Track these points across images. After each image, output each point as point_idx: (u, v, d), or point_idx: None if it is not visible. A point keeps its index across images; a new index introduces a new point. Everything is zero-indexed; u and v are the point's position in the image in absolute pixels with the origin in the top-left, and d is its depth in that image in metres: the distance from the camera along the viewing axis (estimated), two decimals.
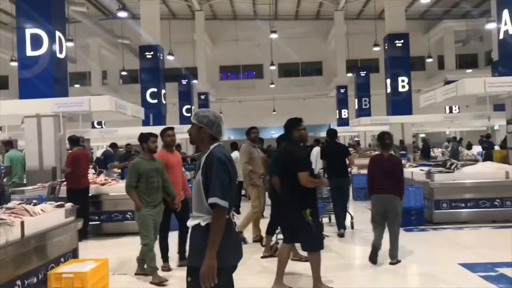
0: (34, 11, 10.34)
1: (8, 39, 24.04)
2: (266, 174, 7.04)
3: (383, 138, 6.09)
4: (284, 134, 5.61)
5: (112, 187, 8.80)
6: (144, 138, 5.76)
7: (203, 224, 2.81)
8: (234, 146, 11.67)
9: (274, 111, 35.09)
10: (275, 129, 33.71)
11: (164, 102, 20.24)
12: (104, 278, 5.16)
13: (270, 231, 6.71)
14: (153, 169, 5.66)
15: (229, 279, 2.91)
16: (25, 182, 9.91)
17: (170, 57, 24.74)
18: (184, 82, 27.28)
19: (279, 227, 6.37)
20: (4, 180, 9.82)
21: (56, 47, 10.55)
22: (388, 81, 19.80)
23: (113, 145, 14.52)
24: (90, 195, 8.39)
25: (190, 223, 2.89)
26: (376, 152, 6.23)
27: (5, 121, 11.09)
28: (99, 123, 23.94)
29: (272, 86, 32.54)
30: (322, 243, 5.13)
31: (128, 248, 7.43)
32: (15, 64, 13.31)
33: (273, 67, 30.34)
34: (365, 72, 27.49)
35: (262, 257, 6.54)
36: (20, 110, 9.92)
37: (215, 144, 2.95)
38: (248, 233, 7.49)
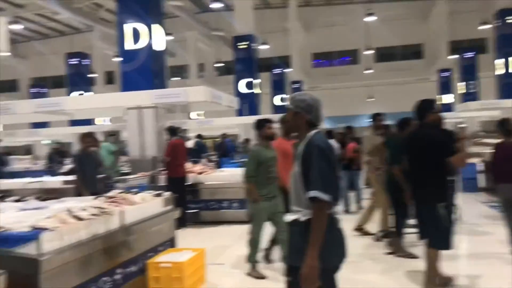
0: (134, 5, 10.70)
1: (113, 35, 25.55)
2: (382, 163, 6.36)
3: (506, 125, 5.45)
4: (407, 118, 5.14)
5: (209, 176, 8.89)
6: (259, 125, 5.36)
7: (302, 219, 2.54)
8: (329, 134, 11.26)
9: (370, 98, 33.83)
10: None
11: (257, 92, 20.28)
12: (201, 268, 5.14)
13: (399, 227, 6.00)
14: (272, 157, 5.26)
15: (332, 281, 2.61)
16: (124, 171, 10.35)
17: (263, 47, 24.75)
18: (277, 71, 27.18)
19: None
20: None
21: (155, 40, 10.85)
22: (500, 61, 18.06)
23: (199, 136, 14.89)
24: (187, 183, 8.52)
25: (288, 217, 2.64)
26: (497, 140, 5.61)
27: (110, 113, 11.66)
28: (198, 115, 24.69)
29: (368, 71, 31.34)
30: (450, 243, 4.40)
31: (224, 237, 7.45)
32: (118, 59, 13.99)
33: (369, 52, 29.17)
34: (473, 53, 25.40)
35: (388, 254, 6.06)
36: (122, 102, 10.34)
37: (314, 131, 2.66)
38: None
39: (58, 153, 14.62)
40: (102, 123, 21.44)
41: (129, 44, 10.90)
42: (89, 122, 19.88)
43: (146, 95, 9.98)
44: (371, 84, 33.36)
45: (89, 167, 7.18)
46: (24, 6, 23.54)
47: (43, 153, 19.17)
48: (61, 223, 3.54)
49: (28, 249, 3.18)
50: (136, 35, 10.80)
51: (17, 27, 22.25)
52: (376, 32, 29.78)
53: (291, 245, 2.63)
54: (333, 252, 2.53)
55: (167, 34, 14.61)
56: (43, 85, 29.38)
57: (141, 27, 10.75)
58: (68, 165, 12.49)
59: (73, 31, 30.22)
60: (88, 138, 7.39)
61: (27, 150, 21.32)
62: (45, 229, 3.34)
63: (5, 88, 32.13)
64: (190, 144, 11.59)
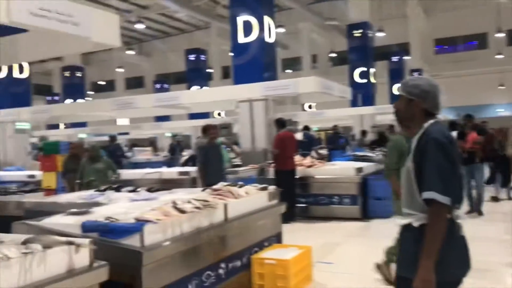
0: None
1: (228, 31, 26.28)
2: None
3: None
4: None
5: (318, 169, 8.61)
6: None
7: (415, 224, 2.17)
8: (453, 126, 10.29)
9: (501, 85, 30.70)
10: (503, 106, 29.48)
11: (373, 81, 19.43)
12: (308, 267, 4.91)
13: None
14: None
15: None
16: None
17: (379, 34, 23.66)
18: (395, 59, 25.86)
19: None
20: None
21: (266, 32, 10.81)
22: None
23: (306, 128, 14.53)
24: (297, 177, 8.33)
25: (399, 221, 2.29)
26: None
27: (223, 106, 11.90)
28: (310, 106, 24.45)
29: (499, 56, 28.43)
30: None
31: (334, 234, 7.14)
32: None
33: (500, 35, 26.43)
34: None
35: None
36: (234, 95, 10.48)
37: (431, 121, 2.26)
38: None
39: (177, 145, 15.37)
40: (218, 116, 22.18)
41: (241, 38, 11.01)
42: (207, 115, 20.68)
43: (256, 87, 9.99)
44: (503, 70, 30.23)
45: (214, 159, 7.26)
46: (148, 7, 25.15)
47: (165, 145, 20.39)
48: (164, 215, 3.53)
49: (132, 241, 3.21)
50: (247, 28, 10.86)
51: (141, 26, 23.88)
52: (508, 13, 26.86)
53: (402, 253, 2.28)
54: (453, 262, 2.13)
55: (279, 26, 14.57)
56: (166, 81, 31.28)
57: (253, 20, 10.77)
58: (185, 157, 13.06)
59: (192, 29, 31.63)
60: (213, 130, 7.49)
61: (151, 142, 22.86)
62: (149, 221, 3.35)
63: (133, 85, 34.81)
64: (299, 136, 11.40)
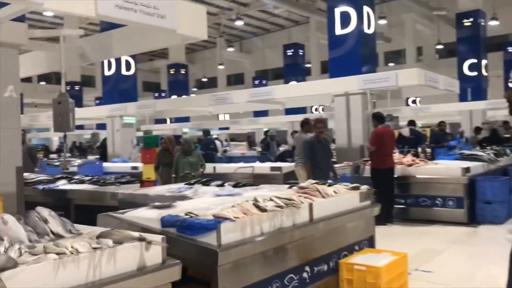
0: None
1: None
2: None
3: None
4: None
5: (420, 168, 7.95)
6: None
7: None
8: None
9: None
10: None
11: (485, 74, 17.81)
12: (402, 275, 4.45)
13: None
14: None
15: None
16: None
17: (493, 23, 21.64)
18: (511, 49, 23.52)
19: None
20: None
21: (364, 23, 10.30)
22: None
23: (411, 123, 13.47)
24: (395, 176, 7.78)
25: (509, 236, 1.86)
26: None
27: (318, 101, 11.59)
28: (414, 101, 23.15)
29: None
30: None
31: (436, 239, 6.52)
32: None
33: None
34: None
35: None
36: (329, 89, 10.12)
37: None
38: None
39: (271, 140, 15.31)
40: (316, 112, 21.83)
41: (338, 29, 10.61)
42: (303, 111, 20.43)
43: (352, 80, 9.55)
44: None
45: (322, 154, 7.03)
46: (249, 4, 25.47)
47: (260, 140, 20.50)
48: (244, 213, 3.36)
49: (208, 239, 3.07)
50: (345, 19, 10.45)
51: (240, 23, 24.25)
52: None
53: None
54: None
55: (381, 18, 13.86)
56: (264, 77, 31.54)
57: (351, 11, 10.31)
58: (278, 152, 12.95)
59: (292, 24, 31.54)
60: (320, 124, 7.26)
61: (248, 137, 23.19)
62: (226, 218, 3.19)
63: (233, 81, 35.61)
64: (405, 132, 10.72)
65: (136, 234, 2.66)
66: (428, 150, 11.02)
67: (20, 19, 4.38)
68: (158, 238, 2.70)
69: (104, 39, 5.16)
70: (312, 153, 7.00)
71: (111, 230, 2.69)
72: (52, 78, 30.63)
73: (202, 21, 4.44)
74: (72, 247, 2.33)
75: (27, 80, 29.06)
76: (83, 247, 2.35)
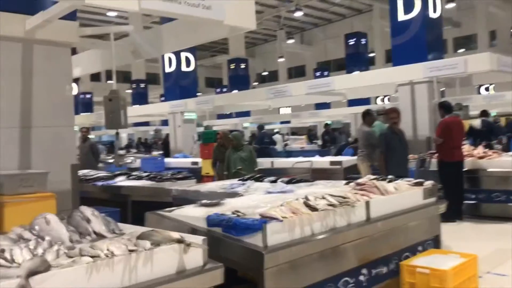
0: None
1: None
2: None
3: None
4: None
5: (492, 161, 7.35)
6: None
7: None
8: None
9: None
10: None
11: None
12: (472, 279, 4.06)
13: None
14: None
15: None
16: None
17: None
18: None
19: None
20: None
21: (429, 7, 9.70)
22: None
23: (484, 114, 12.45)
24: (465, 169, 7.23)
25: None
26: None
27: (380, 91, 11.11)
28: (487, 89, 21.72)
29: None
30: None
31: (510, 238, 5.96)
32: None
33: None
34: None
35: None
36: (392, 78, 9.64)
37: None
38: None
39: (332, 133, 14.93)
40: (381, 103, 21.08)
41: (401, 15, 10.06)
42: (367, 102, 19.75)
43: (417, 68, 9.03)
44: None
45: (398, 147, 6.68)
46: None
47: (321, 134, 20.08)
48: (292, 212, 3.15)
49: (254, 240, 2.90)
50: (409, 3, 9.87)
51: (299, 14, 23.83)
52: None
53: None
54: None
55: (449, 1, 13.05)
56: (326, 69, 30.91)
57: None
58: (337, 146, 12.57)
59: (354, 13, 30.64)
60: (393, 113, 6.91)
61: (308, 130, 22.80)
62: (274, 218, 3.00)
63: (294, 74, 35.22)
64: (476, 124, 9.99)
65: (176, 235, 2.54)
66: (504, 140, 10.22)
67: (72, 18, 4.42)
68: (198, 240, 2.56)
69: (154, 35, 5.13)
70: (387, 146, 6.62)
71: (152, 231, 2.59)
72: (119, 76, 31.79)
73: (250, 11, 4.25)
74: (107, 250, 2.24)
75: (97, 79, 30.37)
76: (118, 250, 2.26)
